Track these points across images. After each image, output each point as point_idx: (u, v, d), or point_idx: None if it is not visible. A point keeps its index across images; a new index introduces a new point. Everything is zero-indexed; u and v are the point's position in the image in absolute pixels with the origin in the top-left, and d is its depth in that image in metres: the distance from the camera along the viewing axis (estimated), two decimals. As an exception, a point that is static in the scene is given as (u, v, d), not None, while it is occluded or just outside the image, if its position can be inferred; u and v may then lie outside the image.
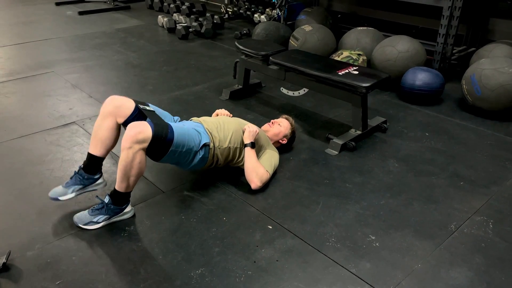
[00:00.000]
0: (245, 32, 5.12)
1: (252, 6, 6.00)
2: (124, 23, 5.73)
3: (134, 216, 2.06)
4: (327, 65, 2.90)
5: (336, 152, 2.63)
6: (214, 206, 2.14)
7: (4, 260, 1.73)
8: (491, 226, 2.03)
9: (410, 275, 1.74)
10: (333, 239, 1.93)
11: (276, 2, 4.95)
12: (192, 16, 5.49)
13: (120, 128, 2.08)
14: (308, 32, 4.02)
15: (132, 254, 1.83)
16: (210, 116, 2.55)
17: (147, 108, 2.10)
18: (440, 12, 3.53)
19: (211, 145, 2.16)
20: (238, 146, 2.27)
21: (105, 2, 6.74)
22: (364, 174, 2.42)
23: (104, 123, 2.04)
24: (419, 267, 1.78)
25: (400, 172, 2.45)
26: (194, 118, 2.34)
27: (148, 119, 1.98)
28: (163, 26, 5.43)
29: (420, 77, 3.26)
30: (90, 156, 2.07)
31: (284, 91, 3.52)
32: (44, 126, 2.92)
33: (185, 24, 5.15)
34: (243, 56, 3.35)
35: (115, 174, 1.92)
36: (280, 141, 2.55)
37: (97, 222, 1.96)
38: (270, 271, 1.75)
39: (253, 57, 3.23)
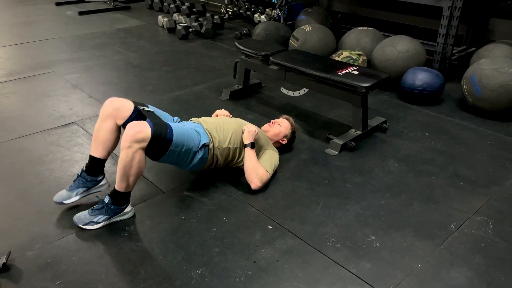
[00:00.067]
0: (245, 32, 5.12)
1: (252, 6, 6.00)
2: (124, 23, 5.73)
3: (134, 216, 2.06)
4: (327, 65, 2.90)
5: (336, 152, 2.63)
6: (214, 206, 2.14)
7: (4, 260, 1.73)
8: (491, 226, 2.03)
9: (410, 275, 1.74)
10: (333, 239, 1.93)
11: (276, 2, 4.95)
12: (192, 16, 5.49)
13: (120, 129, 2.08)
14: (308, 32, 4.02)
15: (132, 254, 1.83)
16: (210, 116, 2.55)
17: (146, 108, 2.10)
18: (440, 12, 3.53)
19: (211, 145, 2.16)
20: (238, 146, 2.27)
21: (105, 2, 6.74)
22: (364, 174, 2.42)
23: (104, 125, 2.04)
24: (419, 267, 1.78)
25: (400, 172, 2.45)
26: (194, 119, 2.34)
27: (147, 119, 1.98)
28: (163, 26, 5.43)
29: (420, 77, 3.26)
30: (91, 159, 2.08)
31: (284, 91, 3.52)
32: (44, 126, 2.92)
33: (185, 24, 5.15)
34: (243, 56, 3.35)
35: (115, 174, 1.92)
36: (280, 141, 2.55)
37: (97, 222, 1.96)
38: (270, 271, 1.75)
39: (253, 57, 3.23)
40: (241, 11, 5.98)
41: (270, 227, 2.00)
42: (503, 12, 3.89)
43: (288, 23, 4.90)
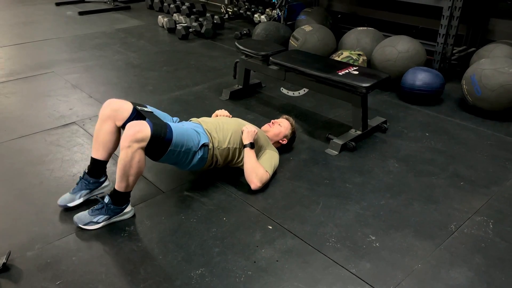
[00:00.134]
0: (245, 32, 5.12)
1: (252, 6, 6.00)
2: (124, 23, 5.73)
3: (134, 216, 2.06)
4: (327, 65, 2.90)
5: (336, 152, 2.63)
6: (214, 206, 2.14)
7: (4, 260, 1.73)
8: (491, 226, 2.03)
9: (410, 275, 1.74)
10: (333, 239, 1.93)
11: (276, 2, 4.95)
12: (192, 16, 5.49)
13: (120, 130, 2.08)
14: (308, 32, 4.02)
15: (132, 254, 1.83)
16: (210, 116, 2.55)
17: (145, 109, 2.10)
18: (440, 12, 3.53)
19: (210, 145, 2.16)
20: (238, 146, 2.27)
21: (105, 2, 6.74)
22: (364, 174, 2.42)
23: (104, 127, 2.04)
24: (419, 267, 1.78)
25: (400, 172, 2.45)
26: (194, 119, 2.34)
27: (147, 118, 1.98)
28: (163, 26, 5.43)
29: (420, 77, 3.26)
30: (93, 161, 2.09)
31: (284, 91, 3.52)
32: (44, 126, 2.92)
33: (185, 24, 5.15)
34: (243, 56, 3.35)
35: (115, 174, 1.92)
36: (280, 141, 2.55)
37: (97, 222, 1.96)
38: (270, 271, 1.75)
39: (253, 57, 3.23)
40: (241, 11, 5.98)
41: (270, 227, 2.00)
42: (503, 12, 3.89)
43: (288, 23, 4.90)
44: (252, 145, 2.25)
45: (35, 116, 3.07)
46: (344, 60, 3.57)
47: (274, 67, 3.13)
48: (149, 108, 2.14)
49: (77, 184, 2.12)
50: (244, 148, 2.25)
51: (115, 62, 4.22)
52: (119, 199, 1.96)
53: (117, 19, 5.93)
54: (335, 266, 1.78)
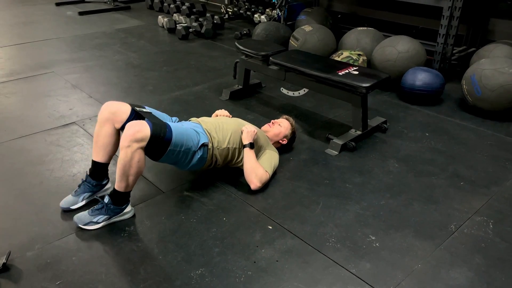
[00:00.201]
0: (245, 32, 5.12)
1: (252, 6, 6.00)
2: (124, 23, 5.73)
3: (134, 216, 2.06)
4: (327, 65, 2.90)
5: (336, 152, 2.63)
6: (214, 206, 2.14)
7: (4, 260, 1.73)
8: (491, 226, 2.03)
9: (410, 275, 1.74)
10: (333, 239, 1.93)
11: (276, 2, 4.95)
12: (192, 17, 5.50)
13: (119, 133, 2.08)
14: (308, 33, 4.03)
15: (132, 254, 1.83)
16: (210, 116, 2.55)
17: (144, 110, 2.10)
18: (440, 12, 3.53)
19: (210, 145, 2.16)
20: (237, 146, 2.27)
21: (105, 2, 6.74)
22: (364, 174, 2.42)
23: (103, 130, 2.04)
24: (419, 268, 1.78)
25: (400, 172, 2.45)
26: (193, 119, 2.34)
27: (146, 118, 1.98)
28: (163, 27, 5.43)
29: (420, 77, 3.26)
30: (94, 163, 2.09)
31: (284, 91, 3.52)
32: (44, 126, 2.92)
33: (185, 25, 5.15)
34: (243, 56, 3.35)
35: (115, 174, 1.92)
36: (281, 141, 2.55)
37: (97, 222, 1.96)
38: (270, 272, 1.75)
39: (253, 57, 3.23)
40: (241, 11, 5.98)
41: (270, 227, 2.00)
42: (503, 12, 3.89)
43: (288, 23, 4.90)
44: (251, 145, 2.25)
45: (35, 116, 3.07)
46: (344, 60, 3.57)
47: (274, 67, 3.13)
48: (147, 109, 2.14)
49: (79, 186, 2.12)
50: (243, 148, 2.25)
51: (115, 62, 4.23)
52: (119, 199, 1.96)
53: (117, 19, 5.93)
54: (335, 266, 1.78)
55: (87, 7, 6.47)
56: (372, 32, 3.95)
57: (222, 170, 2.38)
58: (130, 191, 1.98)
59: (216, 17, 5.51)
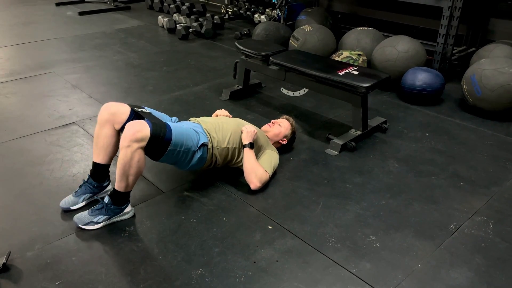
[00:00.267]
0: (245, 32, 5.12)
1: (252, 6, 6.00)
2: (124, 23, 5.73)
3: (134, 216, 2.06)
4: (327, 65, 2.90)
5: (336, 153, 2.63)
6: (214, 207, 2.14)
7: (4, 260, 1.73)
8: (491, 226, 2.03)
9: (410, 275, 1.74)
10: (333, 239, 1.93)
11: (276, 2, 4.95)
12: (192, 17, 5.50)
13: (119, 134, 2.08)
14: (308, 33, 4.02)
15: (132, 254, 1.83)
16: (210, 116, 2.55)
17: (143, 110, 2.10)
18: (440, 12, 3.53)
19: (209, 145, 2.16)
20: (237, 146, 2.27)
21: (105, 2, 6.74)
22: (364, 175, 2.42)
23: (103, 131, 2.04)
24: (419, 268, 1.78)
25: (400, 172, 2.45)
26: (193, 119, 2.34)
27: (146, 119, 1.98)
28: (163, 27, 5.43)
29: (420, 77, 3.26)
30: (95, 165, 2.09)
31: (284, 91, 3.52)
32: (44, 126, 2.92)
33: (185, 25, 5.15)
34: (243, 57, 3.35)
35: (115, 174, 1.92)
36: (281, 141, 2.55)
37: (97, 223, 1.96)
38: (270, 272, 1.74)
39: (253, 58, 3.23)
40: (241, 11, 5.98)
41: (270, 227, 2.00)
42: (503, 12, 3.89)
43: (288, 23, 4.90)
44: (251, 145, 2.25)
45: (35, 116, 3.07)
46: (344, 60, 3.57)
47: (274, 67, 3.13)
48: (146, 109, 2.14)
49: (80, 187, 2.12)
50: (243, 148, 2.25)
51: (115, 62, 4.23)
52: (119, 199, 1.96)
53: (117, 19, 5.93)
54: (335, 266, 1.78)
55: (87, 7, 6.47)
56: (372, 32, 3.95)
57: (222, 170, 2.38)
58: (130, 191, 1.98)
59: (216, 17, 5.51)
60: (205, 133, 2.17)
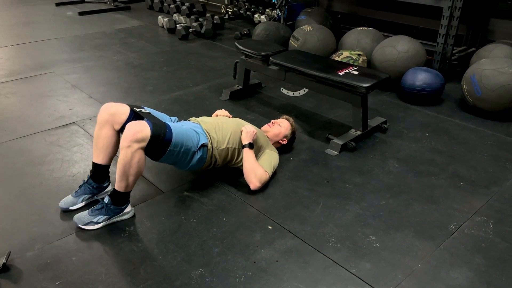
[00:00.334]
0: (245, 32, 5.12)
1: (252, 6, 6.00)
2: (124, 23, 5.73)
3: (134, 216, 2.06)
4: (327, 65, 2.90)
5: (336, 153, 2.63)
6: (214, 207, 2.14)
7: (4, 260, 1.73)
8: (491, 226, 2.03)
9: (410, 275, 1.74)
10: (333, 239, 1.93)
11: (276, 2, 4.95)
12: (192, 17, 5.50)
13: (119, 134, 2.08)
14: (308, 33, 4.03)
15: (132, 254, 1.83)
16: (210, 116, 2.55)
17: (143, 110, 2.10)
18: (440, 12, 3.53)
19: (209, 145, 2.16)
20: (237, 147, 2.27)
21: (105, 2, 6.74)
22: (364, 175, 2.42)
23: (102, 132, 2.04)
24: (419, 268, 1.78)
25: (400, 172, 2.45)
26: (193, 119, 2.34)
27: (147, 119, 1.98)
28: (163, 27, 5.43)
29: (420, 78, 3.26)
30: (95, 165, 2.09)
31: (284, 91, 3.52)
32: (44, 126, 2.92)
33: (185, 25, 5.15)
34: (243, 57, 3.35)
35: (115, 174, 1.92)
36: (280, 141, 2.55)
37: (97, 223, 1.96)
38: (270, 272, 1.74)
39: (253, 58, 3.23)
40: (241, 11, 5.98)
41: (270, 227, 2.00)
42: (503, 12, 3.89)
43: (288, 23, 4.90)
44: (251, 146, 2.25)
45: (35, 116, 3.07)
46: (344, 60, 3.57)
47: (274, 67, 3.13)
48: (146, 109, 2.13)
49: (79, 187, 2.12)
50: (243, 148, 2.25)
51: (115, 62, 4.23)
52: (119, 199, 1.96)
53: (117, 20, 5.93)
54: (335, 266, 1.78)
55: (87, 7, 6.47)
56: (372, 32, 3.95)
57: (222, 170, 2.38)
58: (130, 191, 1.98)
59: (216, 17, 5.51)
60: (205, 134, 2.17)
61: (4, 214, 2.06)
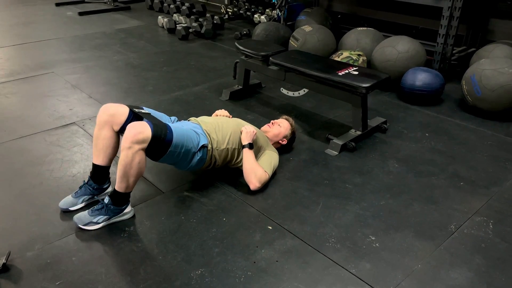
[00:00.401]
0: (245, 32, 5.12)
1: (252, 6, 6.00)
2: (124, 23, 5.73)
3: (134, 216, 2.06)
4: (327, 65, 2.90)
5: (336, 153, 2.63)
6: (214, 207, 2.14)
7: (4, 260, 1.73)
8: (491, 226, 2.03)
9: (410, 275, 1.74)
10: (333, 239, 1.93)
11: (276, 2, 4.95)
12: (192, 17, 5.50)
13: (118, 135, 2.08)
14: (308, 33, 4.03)
15: (132, 254, 1.83)
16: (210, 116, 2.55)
17: (142, 111, 2.10)
18: (440, 13, 3.53)
19: (209, 146, 2.16)
20: (237, 147, 2.27)
21: (105, 2, 6.74)
22: (364, 175, 2.42)
23: (102, 133, 2.04)
24: (419, 268, 1.78)
25: (400, 172, 2.45)
26: (192, 119, 2.34)
27: (147, 119, 1.97)
28: (163, 27, 5.44)
29: (420, 78, 3.26)
30: (95, 167, 2.09)
31: (284, 91, 3.52)
32: (44, 126, 2.92)
33: (185, 25, 5.15)
34: (243, 57, 3.35)
35: (115, 174, 1.92)
36: (280, 141, 2.55)
37: (97, 223, 1.96)
38: (270, 272, 1.75)
39: (253, 58, 3.23)
40: (241, 11, 5.98)
41: (270, 228, 2.00)
42: (503, 12, 3.89)
43: (288, 23, 4.90)
44: (251, 146, 2.25)
45: (35, 117, 3.07)
46: (344, 61, 3.57)
47: (274, 68, 3.13)
48: (146, 109, 2.13)
49: (80, 188, 2.12)
50: (243, 148, 2.25)
51: (115, 62, 4.23)
52: (119, 199, 1.96)
53: (117, 20, 5.93)
54: (335, 267, 1.78)
55: (87, 8, 6.47)
56: (372, 32, 3.95)
57: (222, 171, 2.38)
58: (130, 192, 1.98)
59: (216, 17, 5.51)
60: (205, 134, 2.17)
61: (4, 214, 2.06)
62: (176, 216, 2.07)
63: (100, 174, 2.11)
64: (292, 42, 4.11)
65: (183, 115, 3.01)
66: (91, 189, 2.11)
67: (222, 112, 2.58)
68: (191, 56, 4.46)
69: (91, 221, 1.96)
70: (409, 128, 2.97)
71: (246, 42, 3.41)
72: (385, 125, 2.90)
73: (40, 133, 2.83)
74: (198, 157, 2.11)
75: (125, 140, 1.83)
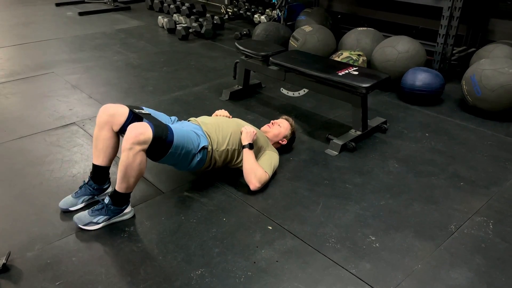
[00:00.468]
0: (245, 32, 5.12)
1: (252, 6, 6.00)
2: (124, 23, 5.73)
3: (134, 216, 2.06)
4: (327, 65, 2.90)
5: (336, 153, 2.63)
6: (214, 207, 2.14)
7: (4, 260, 1.73)
8: (491, 226, 2.03)
9: (410, 275, 1.74)
10: (333, 239, 1.93)
11: (276, 2, 4.95)
12: (192, 17, 5.50)
13: (118, 135, 2.08)
14: (308, 33, 4.03)
15: (132, 254, 1.83)
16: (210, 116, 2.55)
17: (142, 111, 2.10)
18: (440, 13, 3.53)
19: (209, 147, 2.15)
20: (237, 147, 2.26)
21: (105, 3, 6.74)
22: (364, 175, 2.42)
23: (102, 133, 2.04)
24: (419, 268, 1.78)
25: (400, 172, 2.45)
26: (192, 119, 2.33)
27: (148, 120, 1.97)
28: (163, 27, 5.44)
29: (420, 78, 3.26)
30: (95, 167, 2.09)
31: (284, 91, 3.52)
32: (44, 126, 2.92)
33: (185, 25, 5.15)
34: (243, 57, 3.35)
35: (116, 174, 1.92)
36: (280, 141, 2.55)
37: (97, 223, 1.96)
38: (270, 272, 1.74)
39: (253, 58, 3.23)
40: (241, 11, 5.98)
41: (270, 228, 2.00)
42: (503, 12, 3.89)
43: (288, 23, 4.90)
44: (251, 146, 2.25)
45: (35, 117, 3.07)
46: (344, 61, 3.57)
47: (274, 68, 3.13)
48: (145, 110, 2.13)
49: (80, 188, 2.12)
50: (243, 149, 2.25)
51: (115, 62, 4.23)
52: (119, 200, 1.96)
53: (117, 20, 5.93)
54: (335, 267, 1.78)
55: (87, 8, 6.47)
56: (372, 32, 3.95)
57: (222, 171, 2.38)
58: (130, 192, 1.98)
59: (216, 17, 5.51)
60: (205, 136, 2.17)
61: (4, 214, 2.06)
62: (176, 216, 2.07)
63: (100, 175, 2.11)
64: (292, 42, 4.11)
65: (183, 115, 3.00)
66: (91, 189, 2.11)
67: (222, 112, 2.58)
68: (191, 56, 4.46)
69: (91, 221, 1.96)
70: (409, 128, 2.97)
71: (246, 42, 3.41)
72: (385, 125, 2.90)
73: (40, 133, 2.83)
74: (198, 159, 2.11)
75: (126, 141, 1.83)
